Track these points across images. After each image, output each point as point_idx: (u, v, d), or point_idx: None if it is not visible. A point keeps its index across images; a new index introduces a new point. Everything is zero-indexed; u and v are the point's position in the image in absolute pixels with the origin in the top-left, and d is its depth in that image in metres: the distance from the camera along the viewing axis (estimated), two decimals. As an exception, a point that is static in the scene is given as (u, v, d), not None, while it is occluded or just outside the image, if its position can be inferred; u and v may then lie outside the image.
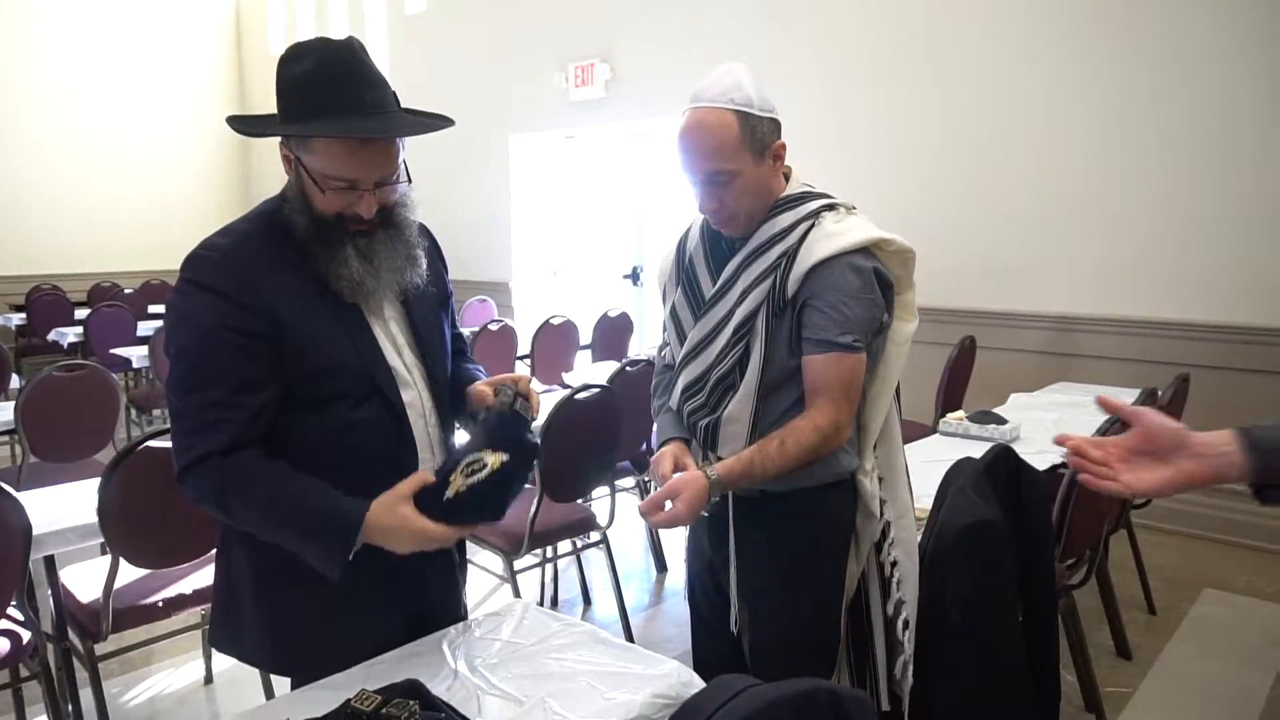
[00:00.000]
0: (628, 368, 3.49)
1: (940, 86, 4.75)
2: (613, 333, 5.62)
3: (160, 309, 7.55)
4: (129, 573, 2.35)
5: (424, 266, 1.46)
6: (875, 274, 1.56)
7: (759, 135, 1.53)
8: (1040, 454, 2.59)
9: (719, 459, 1.60)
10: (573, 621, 1.60)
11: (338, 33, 8.93)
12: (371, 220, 1.36)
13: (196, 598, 2.45)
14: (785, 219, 1.58)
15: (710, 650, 1.87)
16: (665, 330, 1.79)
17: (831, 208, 1.61)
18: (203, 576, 2.49)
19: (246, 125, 1.40)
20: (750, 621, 1.72)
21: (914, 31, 4.84)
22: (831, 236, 1.54)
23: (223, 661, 2.94)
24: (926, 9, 4.79)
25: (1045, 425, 3.08)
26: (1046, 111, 4.40)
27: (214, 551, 2.41)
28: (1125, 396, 3.48)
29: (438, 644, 1.50)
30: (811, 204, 1.60)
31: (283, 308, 1.33)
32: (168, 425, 2.30)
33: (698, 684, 1.40)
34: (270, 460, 1.33)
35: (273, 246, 1.36)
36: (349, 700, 1.25)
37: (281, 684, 2.69)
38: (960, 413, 3.07)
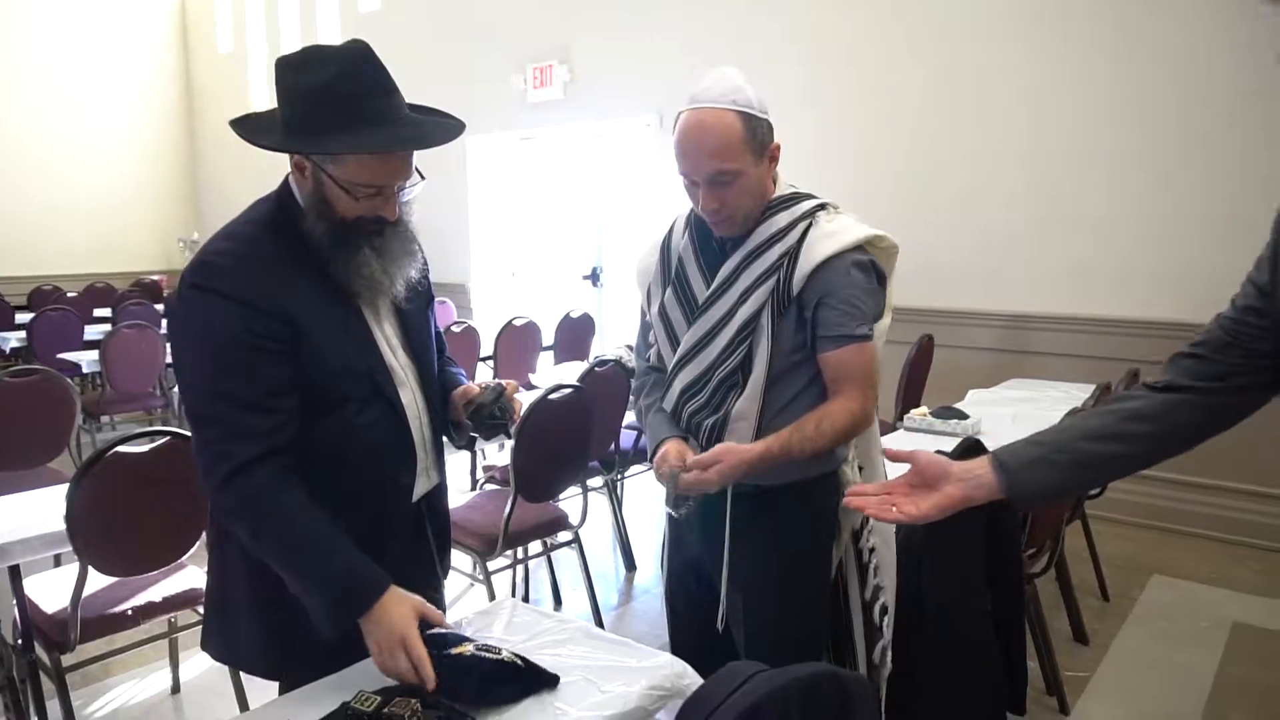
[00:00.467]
0: (596, 368, 3.51)
1: (898, 91, 4.86)
2: (575, 333, 5.63)
3: (106, 312, 7.36)
4: (94, 582, 2.29)
5: (420, 263, 1.49)
6: (873, 267, 1.63)
7: (759, 136, 1.57)
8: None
9: None
10: (563, 618, 1.62)
11: (288, 30, 8.76)
12: (389, 221, 1.40)
13: (166, 605, 2.41)
14: (782, 219, 1.62)
15: (689, 648, 1.88)
16: (650, 331, 1.80)
17: (823, 207, 1.66)
18: (172, 584, 2.45)
19: (259, 137, 1.39)
20: (744, 615, 1.72)
21: (875, 36, 4.95)
22: (831, 236, 1.59)
23: (190, 670, 2.89)
24: (891, 11, 4.89)
25: (1004, 420, 3.18)
26: (1001, 117, 4.53)
27: (182, 558, 2.41)
28: (1077, 392, 3.62)
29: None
30: (805, 204, 1.64)
31: (297, 311, 1.34)
32: (144, 430, 2.29)
33: (691, 675, 1.43)
34: (308, 497, 1.33)
35: (278, 250, 1.37)
36: (348, 702, 1.25)
37: (254, 693, 2.66)
38: (924, 408, 3.15)
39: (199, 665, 2.95)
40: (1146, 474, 4.00)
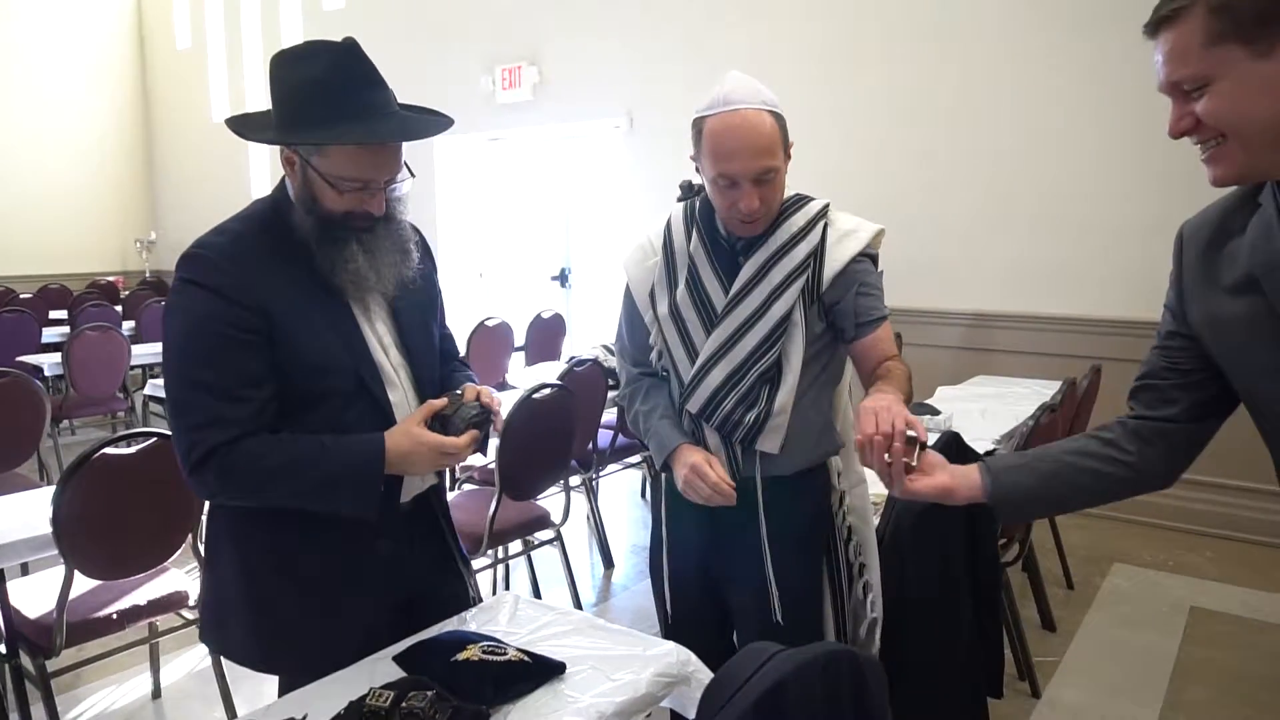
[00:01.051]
0: (575, 368, 3.55)
1: (862, 93, 4.97)
2: (547, 334, 5.65)
3: (62, 314, 7.22)
4: (77, 586, 2.27)
5: (416, 261, 1.49)
6: (874, 257, 1.73)
7: (786, 136, 1.65)
8: (975, 441, 2.76)
9: (747, 452, 1.68)
10: (566, 610, 1.66)
11: (249, 27, 8.66)
12: (377, 217, 1.41)
13: (151, 608, 2.39)
14: (798, 220, 1.69)
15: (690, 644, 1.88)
16: (649, 334, 1.79)
17: (827, 207, 1.74)
18: (155, 587, 2.43)
19: (251, 132, 1.42)
20: (757, 613, 1.73)
21: (840, 38, 5.04)
22: (850, 235, 1.69)
23: (171, 674, 2.87)
24: (855, 14, 4.99)
25: (973, 415, 3.27)
26: (966, 118, 4.65)
27: (168, 560, 2.39)
28: (1042, 389, 3.74)
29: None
30: (813, 204, 1.72)
31: (276, 306, 1.35)
32: (130, 431, 2.27)
33: (695, 662, 1.48)
34: (275, 435, 1.37)
35: (267, 246, 1.39)
36: (363, 699, 1.27)
37: (242, 695, 2.65)
38: (897, 405, 3.23)
39: (180, 669, 2.93)
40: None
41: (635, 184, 6.12)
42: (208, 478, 1.34)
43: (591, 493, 3.90)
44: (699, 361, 1.69)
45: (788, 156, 1.67)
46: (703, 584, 1.81)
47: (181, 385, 1.34)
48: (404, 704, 1.23)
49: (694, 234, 1.76)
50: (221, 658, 2.57)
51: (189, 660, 2.99)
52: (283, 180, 1.45)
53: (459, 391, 1.47)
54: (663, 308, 1.76)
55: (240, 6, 8.98)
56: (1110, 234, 4.27)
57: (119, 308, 7.02)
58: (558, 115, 6.48)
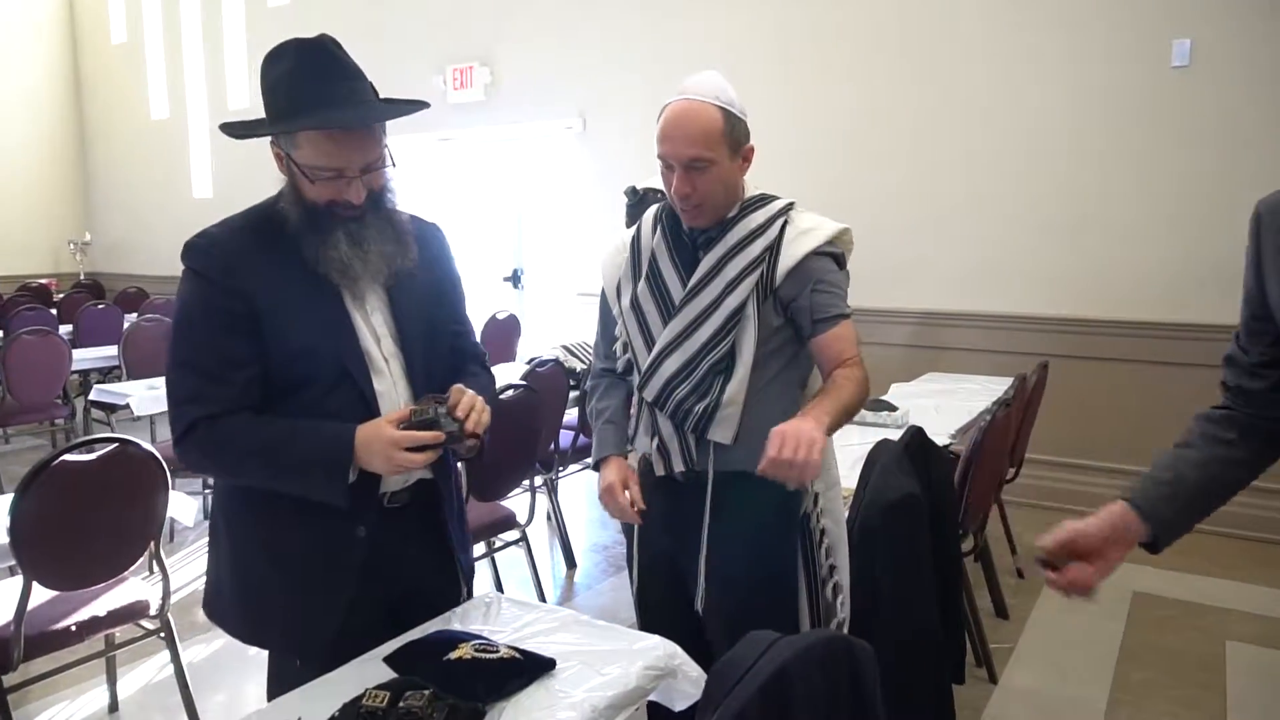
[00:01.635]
0: (538, 368, 3.55)
1: (815, 95, 5.06)
2: (502, 335, 5.63)
3: (-7, 318, 6.94)
4: (34, 597, 2.20)
5: (415, 255, 1.51)
6: (839, 258, 1.76)
7: (736, 134, 1.68)
8: (932, 437, 2.85)
9: (700, 443, 1.71)
10: (550, 607, 1.67)
11: (189, 23, 8.44)
12: (361, 206, 1.43)
13: (111, 619, 2.34)
14: (758, 217, 1.73)
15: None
16: (616, 327, 1.85)
17: (791, 205, 1.77)
18: (114, 597, 2.38)
19: (238, 130, 1.45)
20: (721, 597, 1.78)
21: (793, 39, 5.13)
22: (808, 233, 1.72)
23: (128, 687, 2.80)
24: (809, 16, 5.08)
25: (928, 410, 3.36)
26: (916, 122, 4.77)
27: (129, 569, 2.34)
28: (991, 385, 3.86)
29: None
30: (777, 203, 1.76)
31: (260, 290, 1.40)
32: (93, 437, 2.22)
33: (681, 655, 1.51)
34: (258, 416, 1.41)
35: (260, 237, 1.44)
36: (359, 700, 1.27)
37: (206, 704, 2.61)
38: (855, 402, 3.31)
39: (137, 682, 2.86)
40: (1049, 459, 4.32)
41: (588, 185, 6.14)
42: (189, 451, 1.41)
43: (553, 493, 3.90)
44: (655, 351, 1.75)
45: (742, 157, 1.71)
46: (670, 574, 1.85)
47: (172, 363, 1.42)
48: (401, 704, 1.24)
49: (658, 229, 1.82)
50: (184, 668, 2.54)
51: (147, 672, 2.91)
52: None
53: (444, 397, 1.44)
54: (626, 300, 1.82)
55: (179, 1, 8.74)
56: (1054, 234, 4.43)
57: (54, 311, 6.78)
58: (510, 116, 6.46)
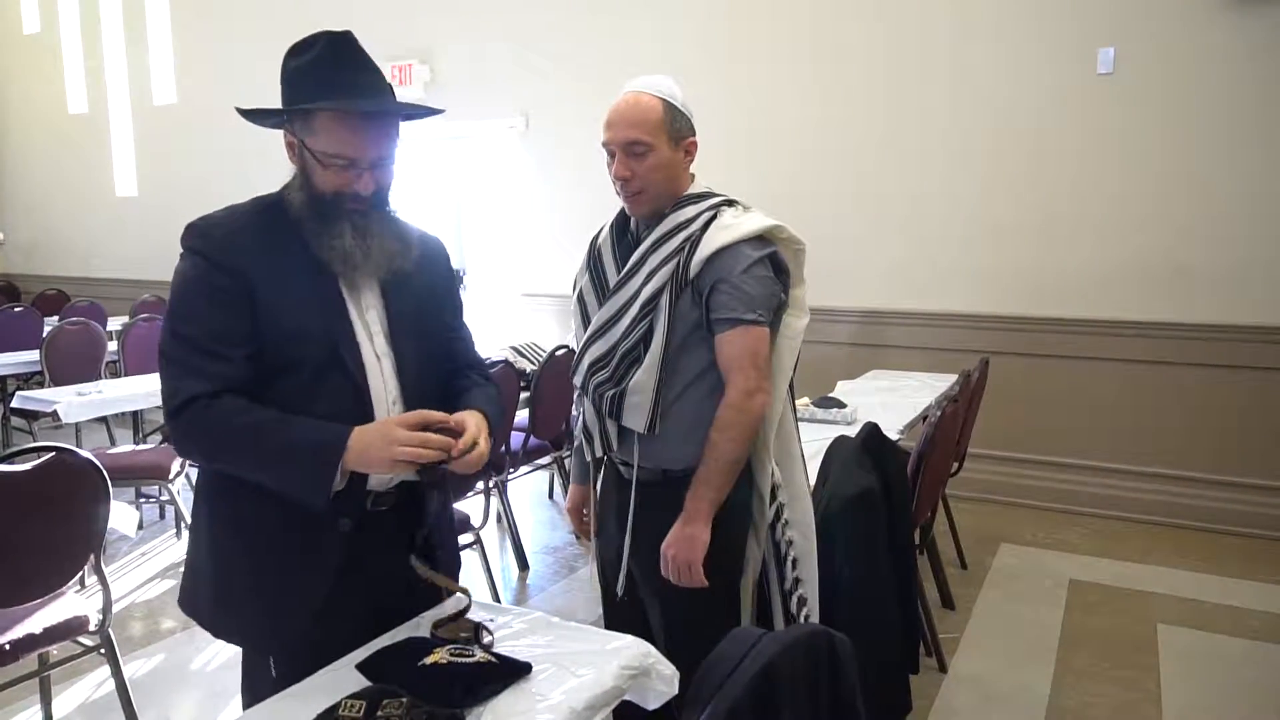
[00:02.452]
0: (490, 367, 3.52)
1: (756, 91, 5.12)
2: (446, 336, 5.55)
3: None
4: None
5: (416, 255, 1.52)
6: (771, 258, 1.77)
7: (677, 125, 1.75)
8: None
9: (623, 429, 1.77)
10: (520, 610, 1.65)
11: (109, 14, 8.11)
12: (368, 199, 1.45)
13: (47, 636, 2.23)
14: (690, 211, 1.76)
15: (625, 629, 1.96)
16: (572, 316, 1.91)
17: (731, 204, 1.80)
18: (52, 613, 2.27)
19: (257, 116, 1.49)
20: (659, 601, 1.82)
21: (736, 38, 5.18)
22: (730, 227, 1.73)
23: (63, 708, 2.68)
24: (748, 16, 5.14)
25: (874, 407, 3.43)
26: (854, 122, 4.87)
27: (67, 584, 2.25)
28: (934, 381, 3.96)
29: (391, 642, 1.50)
30: (713, 199, 1.79)
31: (255, 269, 1.41)
32: (28, 446, 2.12)
33: (655, 654, 1.51)
34: (253, 402, 1.39)
35: (261, 222, 1.46)
36: (334, 710, 1.24)
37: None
38: (805, 399, 3.36)
39: (72, 701, 2.74)
40: (989, 453, 4.45)
41: (531, 185, 6.10)
42: (182, 427, 1.39)
43: (503, 494, 3.87)
44: (585, 336, 1.81)
45: (684, 150, 1.76)
46: (627, 570, 1.87)
47: (167, 339, 1.41)
48: (379, 713, 1.21)
49: (611, 225, 1.87)
50: (126, 685, 2.45)
51: (82, 690, 2.79)
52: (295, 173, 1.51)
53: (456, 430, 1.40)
54: (575, 291, 1.88)
55: (100, -10, 8.39)
56: (990, 234, 4.57)
57: (-35, 313, 6.44)
58: (451, 115, 6.35)
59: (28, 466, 2.06)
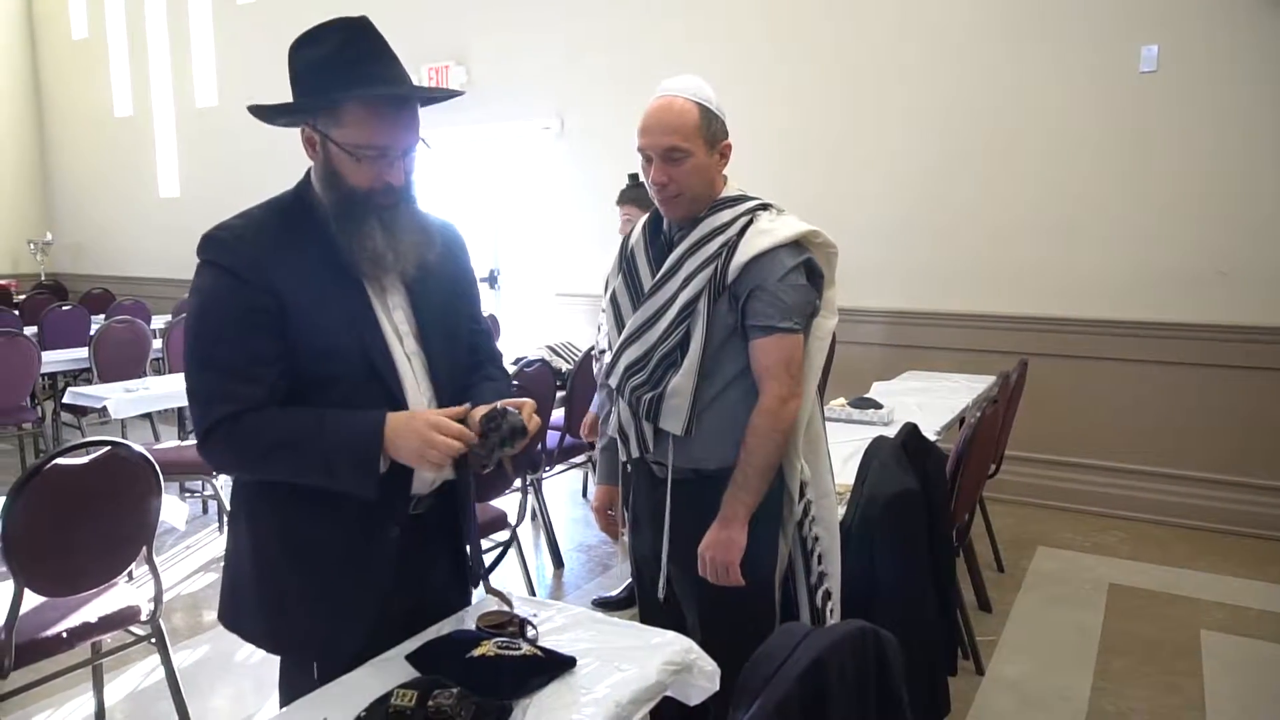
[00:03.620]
0: (525, 369, 3.55)
1: (791, 93, 5.11)
2: (481, 336, 5.60)
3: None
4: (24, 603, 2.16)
5: (439, 246, 1.50)
6: (807, 264, 1.77)
7: (713, 129, 1.75)
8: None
9: (658, 430, 1.78)
10: (561, 605, 1.68)
11: (154, 19, 8.25)
12: (398, 191, 1.41)
13: (102, 625, 2.29)
14: (726, 215, 1.77)
15: (660, 625, 1.96)
16: (603, 317, 1.93)
17: (765, 207, 1.80)
18: (105, 603, 2.33)
19: (271, 113, 1.43)
20: (693, 597, 1.84)
21: (775, 35, 5.17)
22: (767, 232, 1.74)
23: (113, 695, 2.75)
24: (783, 16, 5.13)
25: (911, 408, 3.42)
26: (885, 122, 4.84)
27: (120, 575, 2.31)
28: (969, 383, 3.93)
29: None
30: (749, 203, 1.79)
31: (287, 286, 1.37)
32: (83, 441, 2.18)
33: (697, 650, 1.52)
34: (283, 407, 1.37)
35: (283, 230, 1.41)
36: (387, 699, 1.27)
37: (197, 712, 2.57)
38: (841, 399, 3.36)
39: (122, 689, 2.81)
40: (1026, 455, 4.40)
41: (566, 186, 6.14)
42: (214, 450, 1.36)
43: (539, 493, 3.90)
44: (620, 340, 1.82)
45: (719, 153, 1.77)
46: (656, 562, 1.89)
47: (194, 362, 1.38)
48: (430, 702, 1.24)
49: (643, 229, 1.88)
50: (176, 675, 2.51)
51: (132, 679, 2.87)
52: (308, 172, 1.47)
53: (516, 411, 1.40)
54: (608, 293, 1.89)
55: (144, -4, 8.58)
56: (1027, 236, 4.52)
57: (17, 312, 6.62)
58: (486, 116, 6.43)
59: (85, 460, 2.12)
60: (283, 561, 1.46)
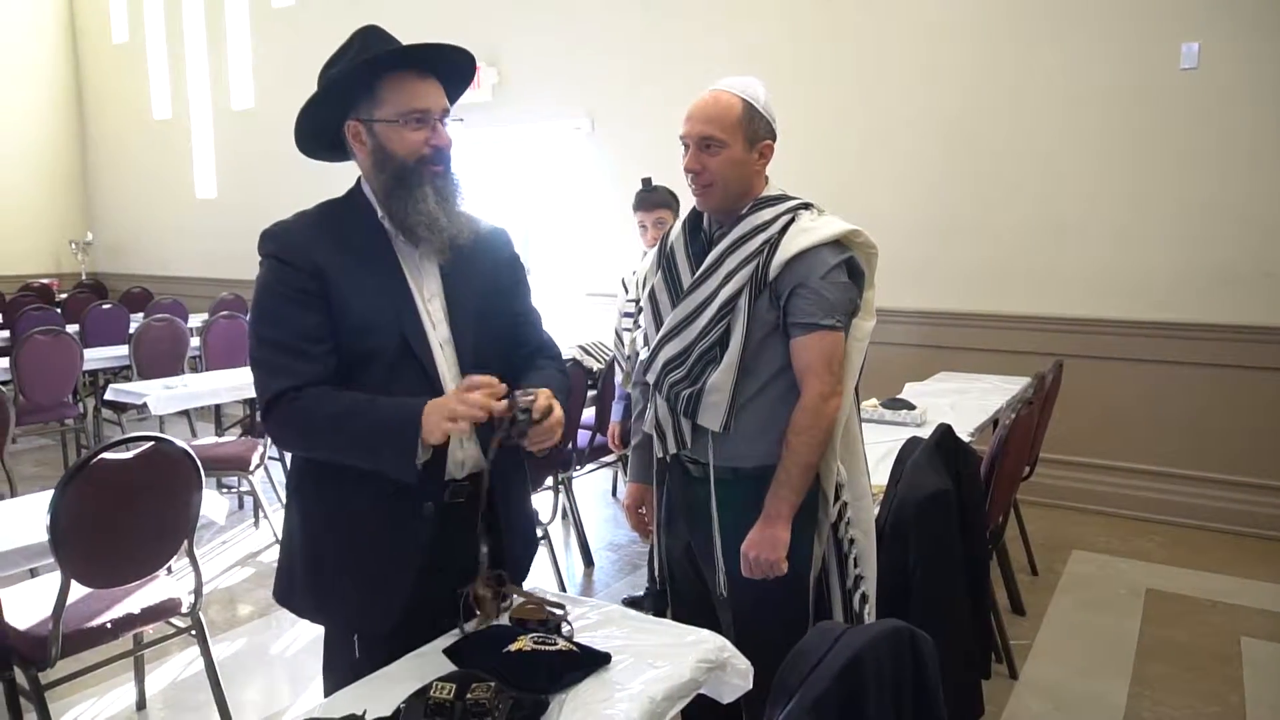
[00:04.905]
0: (557, 368, 3.57)
1: (828, 95, 5.09)
2: (512, 335, 5.64)
3: (-3, 319, 6.95)
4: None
5: (481, 226, 1.59)
6: (848, 263, 1.77)
7: (754, 126, 1.76)
8: (953, 434, 2.88)
9: (696, 427, 1.79)
10: (595, 602, 1.69)
11: (191, 24, 8.37)
12: (447, 155, 1.52)
13: (145, 616, 2.35)
14: (767, 214, 1.77)
15: (691, 622, 1.97)
16: (640, 314, 1.95)
17: (807, 207, 1.81)
18: (147, 595, 2.39)
19: (311, 128, 1.55)
20: (731, 594, 1.84)
21: (807, 36, 5.16)
22: (809, 230, 1.75)
23: (153, 685, 2.81)
24: (830, 18, 5.11)
25: (943, 409, 3.39)
26: (918, 121, 4.81)
27: (162, 567, 2.36)
28: (1003, 384, 3.89)
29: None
30: (790, 202, 1.80)
31: (328, 268, 1.48)
32: (123, 437, 2.23)
33: (730, 648, 1.52)
34: (339, 389, 1.46)
35: (331, 221, 1.54)
36: (425, 691, 1.29)
37: (234, 703, 2.61)
38: (873, 400, 3.34)
39: (162, 680, 2.87)
40: (1060, 458, 4.35)
41: (597, 186, 6.16)
42: (274, 422, 1.46)
43: (569, 491, 3.92)
44: (659, 336, 1.83)
45: (758, 153, 1.78)
46: (689, 559, 1.91)
47: (254, 339, 1.49)
48: (468, 695, 1.25)
49: (683, 226, 1.89)
50: (214, 664, 2.55)
51: (171, 670, 2.93)
52: (358, 180, 1.59)
53: (531, 395, 1.43)
54: (646, 290, 1.90)
55: (181, 0, 8.72)
56: (1063, 235, 4.46)
57: (59, 310, 6.77)
58: (517, 116, 6.47)
59: (129, 455, 2.17)
60: (326, 535, 1.54)
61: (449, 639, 1.49)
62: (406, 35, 1.59)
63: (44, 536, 2.06)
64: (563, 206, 6.55)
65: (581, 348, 4.13)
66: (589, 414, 3.92)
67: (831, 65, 5.08)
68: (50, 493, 2.09)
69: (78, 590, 2.22)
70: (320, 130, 1.54)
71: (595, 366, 4.05)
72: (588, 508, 4.60)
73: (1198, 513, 4.20)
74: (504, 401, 1.40)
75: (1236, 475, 4.13)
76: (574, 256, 6.42)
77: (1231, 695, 2.74)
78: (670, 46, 5.62)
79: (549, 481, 3.25)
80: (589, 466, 4.05)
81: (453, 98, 1.57)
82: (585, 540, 3.95)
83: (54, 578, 2.17)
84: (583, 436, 3.86)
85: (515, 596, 1.57)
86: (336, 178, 1.63)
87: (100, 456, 2.10)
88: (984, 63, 4.61)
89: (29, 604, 2.26)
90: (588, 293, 6.21)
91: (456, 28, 6.61)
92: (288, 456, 1.80)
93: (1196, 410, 4.19)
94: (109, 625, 2.26)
